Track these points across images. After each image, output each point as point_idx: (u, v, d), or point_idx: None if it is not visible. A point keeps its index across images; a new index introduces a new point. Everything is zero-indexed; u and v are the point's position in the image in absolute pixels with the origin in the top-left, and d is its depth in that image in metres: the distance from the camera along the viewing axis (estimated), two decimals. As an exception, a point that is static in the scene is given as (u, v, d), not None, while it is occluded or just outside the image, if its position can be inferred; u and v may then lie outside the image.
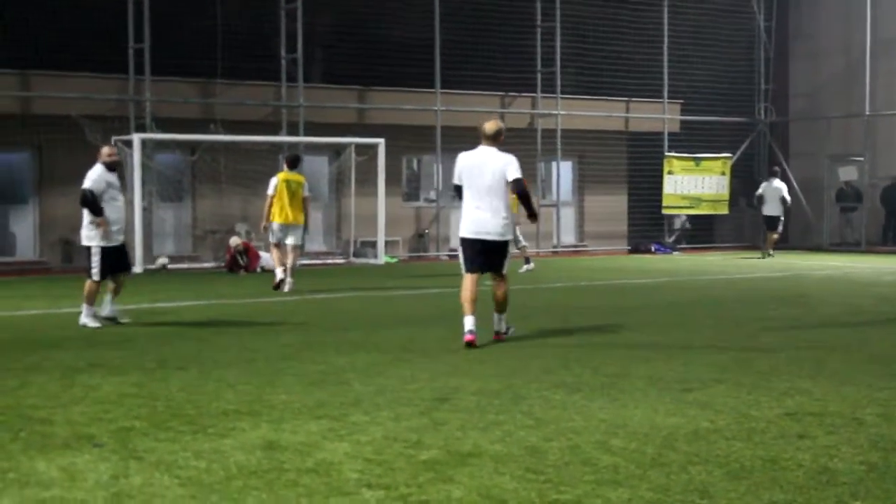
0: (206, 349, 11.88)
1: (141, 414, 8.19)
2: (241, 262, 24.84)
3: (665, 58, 34.45)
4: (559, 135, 32.69)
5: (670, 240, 34.59)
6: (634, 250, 33.96)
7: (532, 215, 12.95)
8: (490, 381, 9.66)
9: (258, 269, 24.89)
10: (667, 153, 34.40)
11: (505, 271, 12.54)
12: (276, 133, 28.50)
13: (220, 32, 28.57)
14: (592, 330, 13.64)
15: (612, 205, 34.45)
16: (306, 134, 28.73)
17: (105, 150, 14.47)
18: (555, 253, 32.70)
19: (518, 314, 13.46)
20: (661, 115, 34.63)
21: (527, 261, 24.50)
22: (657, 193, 34.15)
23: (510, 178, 12.21)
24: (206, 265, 26.54)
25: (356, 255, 28.91)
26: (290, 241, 19.82)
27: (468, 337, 12.01)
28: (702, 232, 35.72)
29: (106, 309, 14.29)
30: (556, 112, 32.75)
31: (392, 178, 29.32)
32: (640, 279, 22.92)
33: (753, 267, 26.59)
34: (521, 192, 12.30)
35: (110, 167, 14.20)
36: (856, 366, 10.57)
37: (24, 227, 26.77)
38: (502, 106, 32.60)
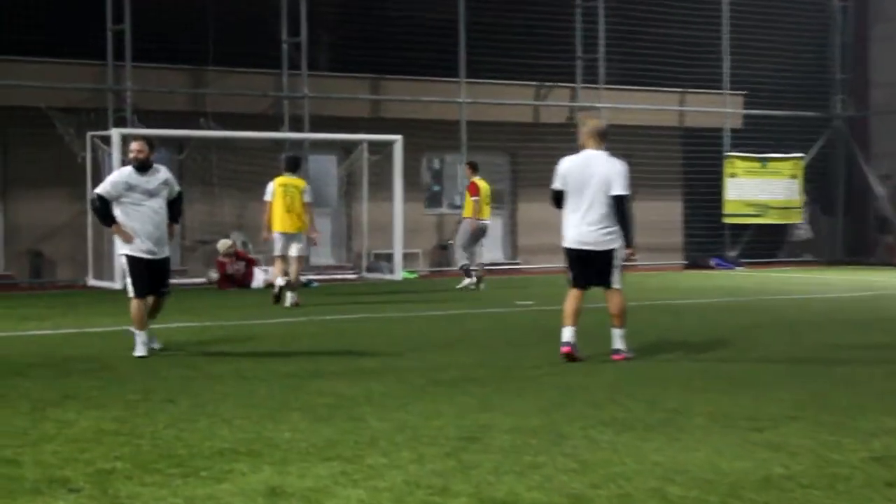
0: (197, 378, 11.87)
1: (123, 454, 8.16)
2: (232, 272, 24.92)
3: (726, 43, 34.36)
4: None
5: (733, 253, 34.47)
6: (692, 265, 33.88)
7: (629, 244, 13.29)
8: (527, 417, 9.61)
9: (256, 284, 24.94)
10: (728, 153, 34.31)
11: (616, 284, 13.25)
12: (276, 128, 28.55)
13: (212, 12, 28.64)
14: (645, 358, 13.57)
15: (665, 213, 34.35)
16: (311, 129, 28.77)
17: (132, 145, 14.00)
18: (598, 268, 32.55)
19: (554, 339, 13.42)
20: (722, 109, 34.53)
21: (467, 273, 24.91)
22: (717, 199, 34.03)
23: (613, 193, 12.91)
24: (196, 280, 26.56)
25: (369, 269, 28.92)
26: (292, 251, 20.31)
27: (565, 349, 12.95)
28: (769, 244, 35.59)
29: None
30: (598, 105, 32.68)
31: (411, 181, 29.34)
32: (699, 299, 22.87)
33: (827, 286, 26.48)
34: (623, 210, 12.99)
35: (139, 166, 13.67)
36: (953, 401, 10.50)
37: (-14, 236, 26.89)
38: (537, 98, 32.60)
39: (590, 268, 13.15)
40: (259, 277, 25.41)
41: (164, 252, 13.87)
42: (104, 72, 27.09)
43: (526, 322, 17.92)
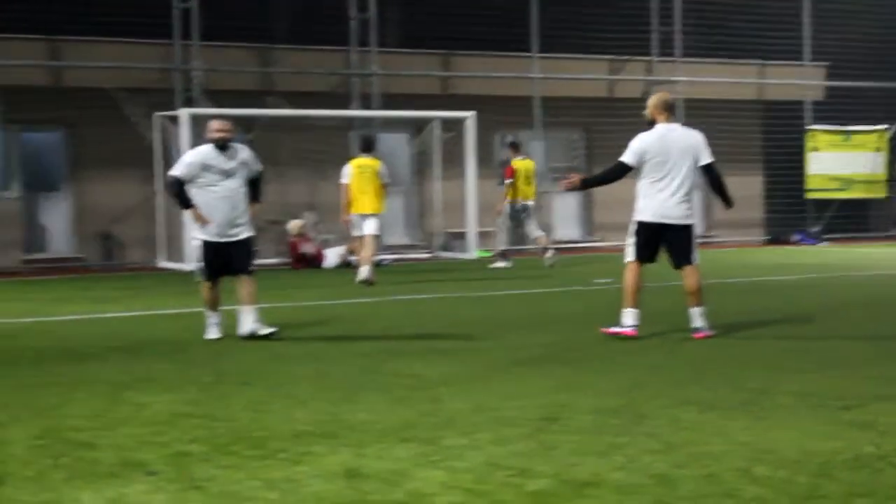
0: (271, 360, 11.95)
1: (199, 436, 8.23)
2: (304, 252, 25.11)
3: (807, 11, 34.03)
4: (680, 105, 32.38)
5: (816, 229, 34.20)
6: (773, 241, 33.65)
7: (728, 203, 13.83)
8: (607, 396, 9.60)
9: (327, 264, 25.07)
10: (810, 126, 34.00)
11: (696, 260, 13.34)
12: (345, 106, 28.61)
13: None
14: (728, 336, 13.49)
15: (746, 188, 34.02)
16: (382, 107, 28.81)
17: (212, 124, 13.64)
18: (677, 245, 32.40)
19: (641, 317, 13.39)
20: (803, 81, 34.22)
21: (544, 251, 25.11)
22: (799, 174, 33.76)
23: (704, 163, 13.16)
24: (267, 261, 26.66)
25: (443, 248, 28.95)
26: (367, 230, 20.58)
27: (630, 332, 13.05)
28: (854, 219, 35.26)
29: (243, 326, 13.60)
30: (675, 78, 32.49)
31: (484, 158, 29.31)
32: (782, 276, 22.72)
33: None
34: (717, 176, 13.38)
35: (219, 145, 13.42)
36: None
37: (58, 219, 27.14)
38: (611, 72, 32.46)
39: (662, 242, 13.23)
40: (330, 258, 25.50)
41: (241, 234, 13.61)
42: (172, 51, 27.25)
43: (604, 300, 17.82)
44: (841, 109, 34.29)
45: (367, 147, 21.18)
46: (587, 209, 32.64)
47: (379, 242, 21.36)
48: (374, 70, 29.04)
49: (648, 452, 7.57)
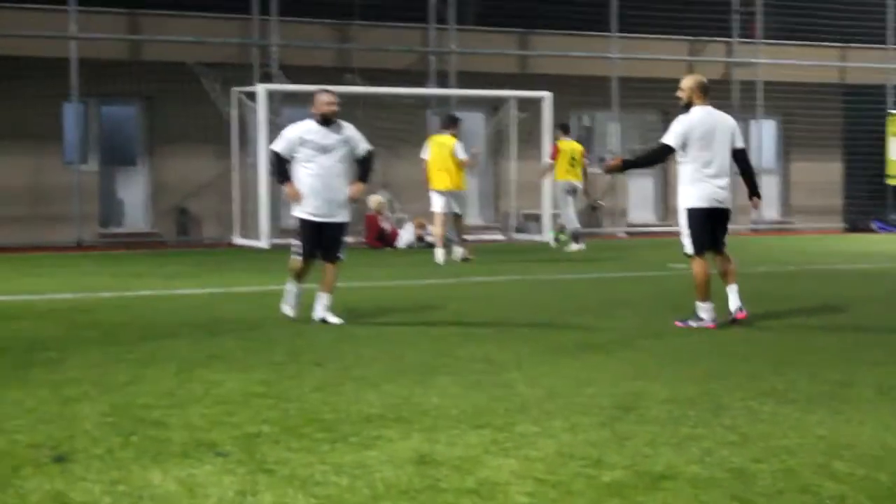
0: (344, 341, 11.90)
1: (270, 418, 8.19)
2: (384, 230, 25.15)
3: (891, -6, 33.61)
4: (760, 88, 32.13)
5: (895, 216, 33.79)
6: (851, 229, 33.30)
7: (757, 194, 13.57)
8: (683, 385, 9.48)
9: (400, 244, 25.07)
10: (892, 110, 33.57)
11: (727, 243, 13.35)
12: (422, 84, 28.54)
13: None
14: (806, 326, 13.35)
15: (824, 173, 33.80)
16: (458, 85, 28.72)
17: (321, 96, 13.23)
18: (755, 231, 32.22)
19: (714, 304, 13.24)
20: (886, 65, 33.78)
21: (575, 239, 25.18)
22: (880, 160, 33.36)
23: (739, 146, 13.08)
24: (347, 239, 26.63)
25: (518, 230, 28.84)
26: (441, 208, 21.23)
27: (710, 325, 12.93)
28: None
29: (316, 310, 13.34)
30: (755, 60, 32.19)
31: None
32: (861, 264, 22.43)
33: None
34: (748, 163, 13.29)
35: (324, 120, 13.07)
36: None
37: (134, 193, 27.29)
38: (691, 53, 32.20)
39: (713, 228, 13.10)
40: (404, 237, 25.49)
41: (337, 216, 13.23)
42: (250, 26, 27.30)
43: (679, 285, 17.62)
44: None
45: (444, 124, 21.67)
46: (662, 192, 32.39)
47: (457, 220, 21.69)
48: (451, 48, 28.96)
49: (725, 445, 7.45)
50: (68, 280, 18.11)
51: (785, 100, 32.63)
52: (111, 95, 26.81)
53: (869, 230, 32.81)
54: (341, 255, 13.47)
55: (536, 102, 28.04)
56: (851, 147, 34.18)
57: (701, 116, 12.93)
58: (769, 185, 33.35)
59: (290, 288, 13.42)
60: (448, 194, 21.18)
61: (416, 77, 28.67)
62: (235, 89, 26.06)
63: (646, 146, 29.73)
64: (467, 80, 28.71)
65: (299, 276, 13.39)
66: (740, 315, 13.09)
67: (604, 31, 30.50)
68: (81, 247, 24.72)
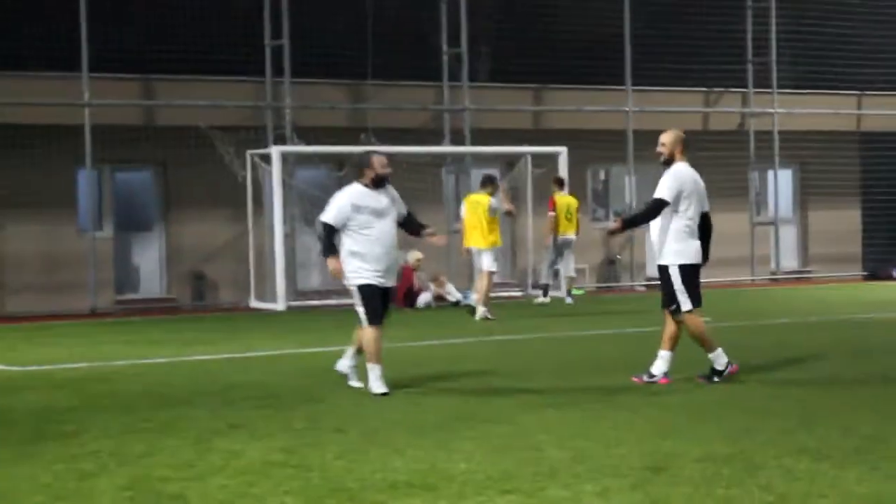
0: (365, 405, 11.74)
1: (292, 488, 8.01)
2: (415, 286, 25.14)
3: (906, 41, 33.50)
4: (776, 137, 32.00)
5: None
6: (872, 276, 33.04)
7: (707, 252, 13.32)
8: (714, 443, 9.30)
9: (419, 304, 24.96)
10: (909, 156, 33.42)
11: None
12: (437, 142, 28.45)
13: (371, 25, 28.66)
14: (833, 379, 13.20)
15: (843, 221, 33.59)
16: (473, 142, 28.62)
17: (376, 159, 12.74)
18: (774, 281, 32.00)
19: (735, 358, 13.07)
20: (902, 111, 33.67)
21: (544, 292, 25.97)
22: (898, 206, 33.21)
23: (706, 209, 13.06)
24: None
25: (535, 286, 28.63)
26: (480, 265, 21.89)
27: (733, 369, 12.87)
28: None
29: (342, 361, 13.10)
30: (771, 110, 32.08)
31: (576, 194, 28.97)
32: (884, 313, 22.21)
33: None
34: (710, 225, 13.20)
35: (378, 182, 12.67)
36: None
37: (149, 259, 27.16)
38: (706, 104, 32.10)
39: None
40: (422, 298, 25.35)
41: (392, 280, 12.85)
42: (262, 89, 27.25)
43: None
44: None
45: (483, 182, 22.38)
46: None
47: (490, 277, 22.04)
48: (465, 105, 28.87)
49: (762, 506, 7.26)
50: (82, 349, 17.92)
51: (802, 148, 32.47)
52: (125, 161, 26.72)
53: (890, 277, 32.55)
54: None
55: (552, 158, 27.90)
56: (869, 194, 33.99)
57: (689, 172, 12.85)
58: (787, 235, 33.19)
59: (374, 370, 12.54)
60: (482, 252, 21.81)
61: (430, 135, 28.56)
62: (249, 152, 25.97)
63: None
64: (482, 137, 28.59)
65: (380, 354, 12.59)
66: (663, 381, 12.81)
67: (618, 85, 30.39)
68: (96, 314, 24.58)
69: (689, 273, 12.80)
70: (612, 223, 13.85)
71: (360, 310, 12.61)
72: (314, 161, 27.70)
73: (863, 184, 34.09)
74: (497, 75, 30.66)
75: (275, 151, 25.37)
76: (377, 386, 12.41)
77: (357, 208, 12.50)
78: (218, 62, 26.28)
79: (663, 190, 12.76)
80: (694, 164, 13.08)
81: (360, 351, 12.86)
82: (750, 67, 32.20)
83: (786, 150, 32.26)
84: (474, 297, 22.33)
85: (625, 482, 8.00)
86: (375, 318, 12.61)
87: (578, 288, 28.56)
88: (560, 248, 25.61)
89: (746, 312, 22.23)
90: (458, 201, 25.85)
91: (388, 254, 12.64)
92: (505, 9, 31.36)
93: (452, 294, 25.84)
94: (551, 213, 25.42)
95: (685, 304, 12.83)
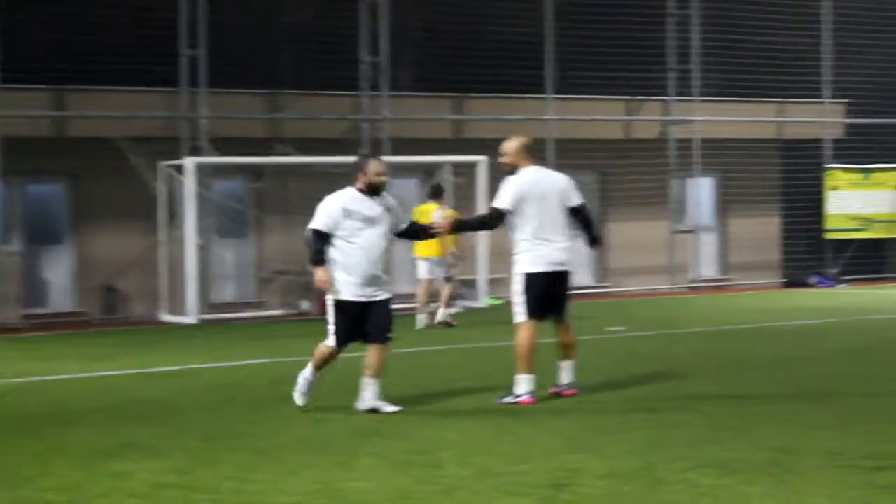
0: (265, 422, 11.46)
1: (177, 511, 7.71)
2: None
3: (826, 49, 33.58)
4: (697, 146, 31.97)
5: (834, 270, 33.64)
6: (791, 284, 33.08)
7: (595, 239, 13.12)
8: (621, 458, 9.14)
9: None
10: (829, 164, 33.51)
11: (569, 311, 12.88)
12: (356, 152, 28.14)
13: (289, 34, 28.37)
14: (746, 389, 13.09)
15: (763, 229, 33.62)
16: (392, 152, 28.34)
17: (373, 165, 11.99)
18: (692, 289, 31.93)
19: (651, 369, 12.89)
20: (822, 119, 33.74)
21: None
22: (818, 214, 33.26)
23: (575, 203, 12.67)
24: (273, 313, 26.24)
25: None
26: (424, 274, 22.21)
27: (526, 399, 12.30)
28: (873, 260, 34.71)
29: (363, 399, 12.00)
30: (692, 118, 32.03)
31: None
32: (801, 320, 22.16)
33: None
34: (587, 217, 12.83)
35: (372, 189, 11.92)
36: None
37: (59, 272, 26.64)
38: (627, 112, 32.00)
39: (554, 293, 12.51)
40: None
41: (382, 293, 12.05)
42: (177, 99, 26.82)
43: (618, 349, 17.32)
44: (861, 147, 33.80)
45: (431, 193, 22.76)
46: (600, 254, 32.08)
47: (430, 285, 22.35)
48: (384, 114, 28.62)
49: (662, 525, 7.04)
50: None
51: (722, 156, 32.47)
52: (36, 173, 26.22)
53: (808, 285, 32.61)
54: (391, 335, 12.26)
55: (472, 167, 27.70)
56: (789, 202, 34.03)
57: (532, 178, 12.45)
58: (707, 243, 33.14)
59: (308, 376, 12.13)
60: (427, 260, 21.86)
61: (349, 145, 28.25)
62: (163, 163, 25.57)
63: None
64: (401, 146, 28.32)
65: (323, 363, 12.22)
66: (569, 392, 12.49)
67: (539, 93, 30.25)
68: (2, 330, 24.03)
69: (532, 282, 12.36)
70: (440, 220, 13.41)
71: (330, 325, 12.08)
72: (230, 172, 27.33)
73: (783, 192, 34.14)
74: (417, 84, 30.43)
75: (189, 162, 24.97)
76: (302, 395, 12.05)
77: (348, 213, 11.80)
78: (133, 72, 25.87)
79: (500, 198, 12.43)
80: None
81: (376, 374, 12.05)
82: (671, 76, 32.17)
83: (706, 158, 32.24)
84: (441, 311, 22.29)
85: (527, 500, 7.82)
86: (341, 341, 12.02)
87: (497, 297, 28.34)
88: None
89: (663, 321, 22.11)
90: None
91: (374, 266, 11.93)
92: (426, 17, 31.17)
93: None
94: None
95: (519, 314, 12.46)
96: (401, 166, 28.66)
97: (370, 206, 11.86)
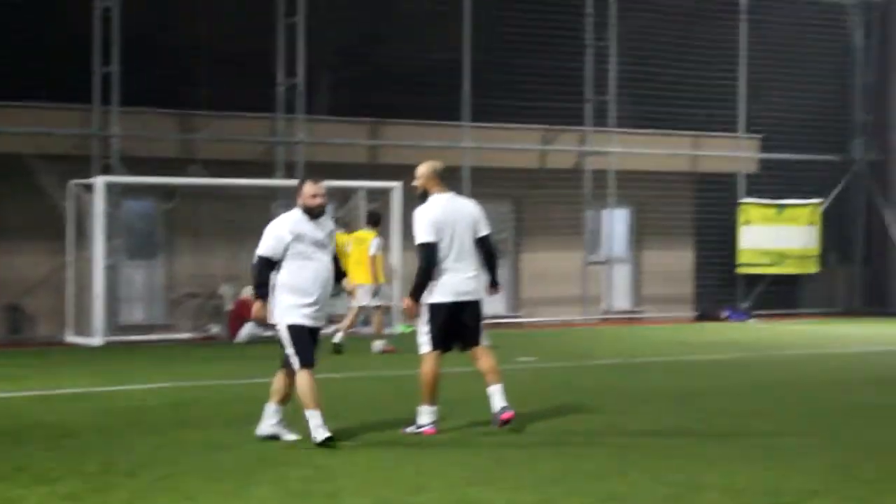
0: (164, 448, 11.24)
1: (67, 539, 7.53)
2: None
3: (742, 84, 33.85)
4: (612, 177, 32.07)
5: (746, 305, 33.85)
6: (702, 317, 33.25)
7: (495, 283, 12.81)
8: (520, 491, 9.08)
9: (239, 339, 24.56)
10: (743, 199, 33.74)
11: (485, 340, 12.62)
12: (269, 175, 27.98)
13: (205, 54, 28.15)
14: (653, 422, 13.06)
15: (676, 262, 33.74)
16: (307, 176, 28.15)
17: (308, 188, 11.74)
18: (605, 321, 31.98)
19: (560, 401, 12.84)
20: (736, 153, 33.98)
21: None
22: (730, 248, 33.46)
23: (483, 234, 12.46)
24: (182, 336, 25.94)
25: (364, 323, 28.24)
26: (358, 301, 21.58)
27: (429, 430, 12.14)
28: (785, 295, 34.95)
29: (263, 425, 11.85)
30: (608, 150, 32.13)
31: (411, 229, 28.69)
32: (711, 354, 22.23)
33: (847, 339, 25.89)
34: (492, 251, 12.55)
35: (313, 212, 11.72)
36: None
37: (-37, 293, 26.24)
38: (543, 142, 32.03)
39: (458, 324, 12.28)
40: (243, 332, 24.84)
41: (322, 321, 11.87)
42: (89, 117, 26.50)
43: (527, 380, 17.24)
44: (774, 182, 34.06)
45: (369, 221, 22.86)
46: (514, 284, 32.09)
47: (361, 312, 22.69)
48: (300, 138, 28.46)
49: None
50: None
51: (637, 189, 32.58)
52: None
53: (719, 318, 32.79)
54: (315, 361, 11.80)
55: (387, 193, 27.62)
56: (703, 236, 34.20)
57: (442, 206, 12.25)
58: (621, 275, 33.20)
59: (314, 415, 11.44)
60: (361, 287, 21.44)
61: (263, 168, 28.08)
62: (73, 182, 25.25)
63: (498, 236, 29.55)
64: (316, 170, 28.00)
65: (317, 398, 11.53)
66: (507, 415, 12.12)
67: (455, 121, 30.22)
68: None
69: (436, 312, 12.14)
70: (406, 302, 12.78)
71: (290, 351, 11.57)
72: (141, 192, 27.04)
73: (696, 225, 34.32)
74: (334, 109, 30.30)
75: (99, 181, 24.65)
76: (320, 433, 11.26)
77: (297, 236, 11.53)
78: (42, 89, 25.53)
79: (422, 232, 12.18)
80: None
81: (283, 401, 11.81)
82: (588, 106, 32.26)
83: (622, 190, 32.35)
84: (377, 344, 22.62)
85: (423, 533, 7.69)
86: (307, 359, 11.57)
87: (410, 325, 28.25)
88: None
89: (575, 352, 22.11)
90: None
91: (324, 290, 11.68)
92: (344, 41, 31.07)
93: None
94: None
95: (423, 345, 12.27)
96: (315, 191, 28.55)
97: (313, 229, 11.63)
